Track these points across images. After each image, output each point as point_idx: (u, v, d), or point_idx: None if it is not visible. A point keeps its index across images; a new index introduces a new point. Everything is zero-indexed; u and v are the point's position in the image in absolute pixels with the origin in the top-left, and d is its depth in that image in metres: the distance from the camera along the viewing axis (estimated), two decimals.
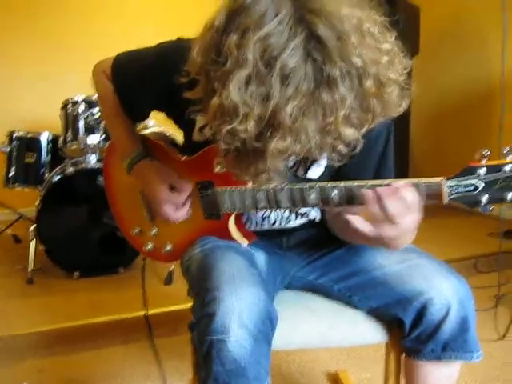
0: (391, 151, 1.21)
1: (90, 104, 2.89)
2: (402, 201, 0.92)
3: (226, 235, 1.22)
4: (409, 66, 0.89)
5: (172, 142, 1.36)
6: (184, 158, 1.26)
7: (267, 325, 1.01)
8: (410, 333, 1.13)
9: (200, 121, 1.20)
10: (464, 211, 4.13)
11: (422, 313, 1.09)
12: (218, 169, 1.16)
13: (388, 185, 0.95)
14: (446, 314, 1.07)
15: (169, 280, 2.60)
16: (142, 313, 2.19)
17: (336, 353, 2.09)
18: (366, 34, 0.81)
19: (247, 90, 0.79)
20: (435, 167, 4.17)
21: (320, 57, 0.78)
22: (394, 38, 0.87)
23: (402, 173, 1.09)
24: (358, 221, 0.95)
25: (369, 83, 0.80)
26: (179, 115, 1.21)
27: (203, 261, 1.15)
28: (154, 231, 1.35)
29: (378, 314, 1.20)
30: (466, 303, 1.09)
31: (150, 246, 1.37)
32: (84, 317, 2.21)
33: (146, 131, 1.38)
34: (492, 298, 2.38)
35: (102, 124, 2.89)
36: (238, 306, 0.97)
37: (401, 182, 0.96)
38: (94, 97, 2.91)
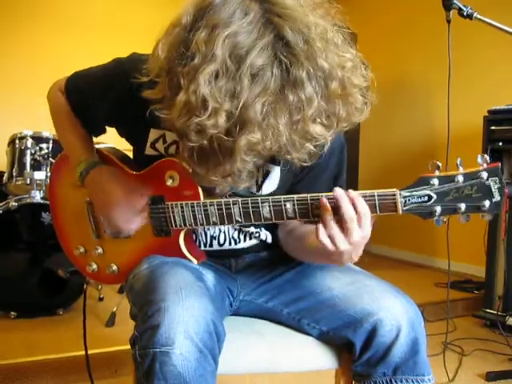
0: (344, 171, 1.22)
1: (38, 140, 2.85)
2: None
3: (176, 253, 1.17)
4: (369, 78, 0.94)
5: (124, 157, 1.32)
6: (135, 172, 1.22)
7: (214, 339, 0.96)
8: (361, 356, 1.10)
9: (152, 135, 1.18)
10: (413, 264, 4.23)
11: (372, 335, 1.07)
12: (169, 183, 1.13)
13: None
14: (397, 336, 1.06)
15: (111, 322, 2.49)
16: (81, 353, 2.05)
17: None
18: (330, 42, 0.86)
19: (216, 84, 0.80)
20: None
21: (287, 58, 0.81)
22: (355, 51, 0.91)
23: None
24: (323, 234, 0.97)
25: (334, 85, 0.84)
26: (131, 129, 1.19)
27: (149, 276, 1.10)
28: (99, 250, 1.28)
29: (328, 337, 1.17)
30: (415, 324, 1.08)
31: (93, 266, 1.30)
32: (20, 356, 2.08)
33: (99, 145, 1.34)
34: (439, 344, 2.45)
35: (50, 160, 2.82)
36: (184, 317, 0.93)
37: (355, 193, 0.97)
38: (44, 133, 2.87)
